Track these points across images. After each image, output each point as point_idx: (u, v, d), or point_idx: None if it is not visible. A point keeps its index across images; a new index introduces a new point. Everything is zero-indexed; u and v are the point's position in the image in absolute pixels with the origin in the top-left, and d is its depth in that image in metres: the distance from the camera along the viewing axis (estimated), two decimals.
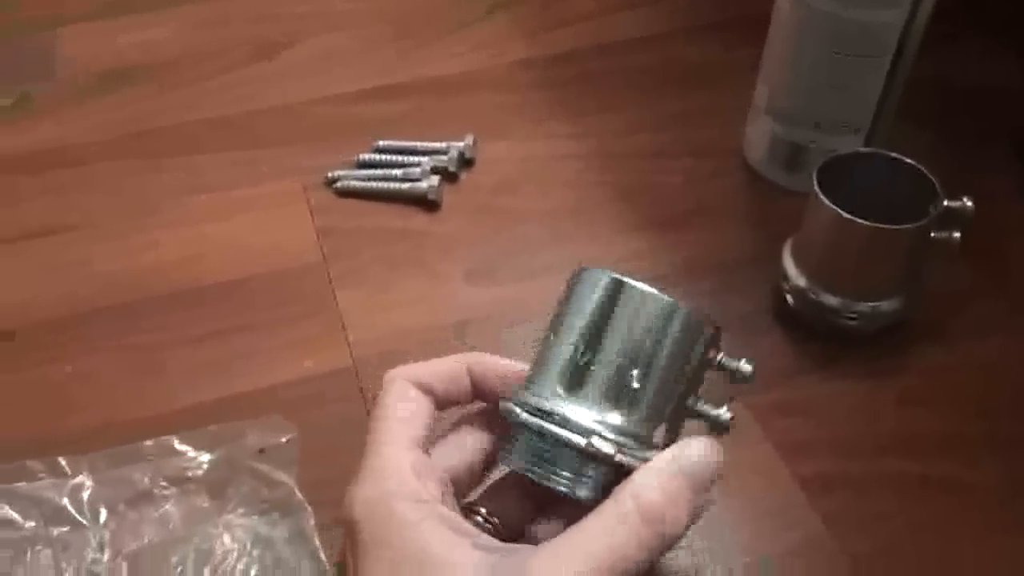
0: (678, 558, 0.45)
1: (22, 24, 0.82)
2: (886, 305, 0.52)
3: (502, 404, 0.37)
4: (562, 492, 0.35)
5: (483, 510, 0.38)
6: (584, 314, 0.37)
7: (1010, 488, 0.47)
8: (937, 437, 0.50)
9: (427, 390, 0.39)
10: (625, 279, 0.36)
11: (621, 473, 0.34)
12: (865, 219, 0.48)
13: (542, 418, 0.35)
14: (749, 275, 0.58)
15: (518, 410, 0.36)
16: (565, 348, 0.37)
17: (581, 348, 0.36)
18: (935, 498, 0.47)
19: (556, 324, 0.38)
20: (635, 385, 0.36)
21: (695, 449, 0.35)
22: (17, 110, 0.73)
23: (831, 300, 0.52)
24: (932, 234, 0.50)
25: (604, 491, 0.34)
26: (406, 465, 0.36)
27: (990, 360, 0.53)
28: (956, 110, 0.70)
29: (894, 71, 0.57)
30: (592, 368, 0.36)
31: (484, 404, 0.40)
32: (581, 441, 0.34)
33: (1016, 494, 0.47)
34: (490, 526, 0.38)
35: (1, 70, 0.77)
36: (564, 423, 0.35)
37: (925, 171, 0.51)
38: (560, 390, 0.36)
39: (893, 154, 0.52)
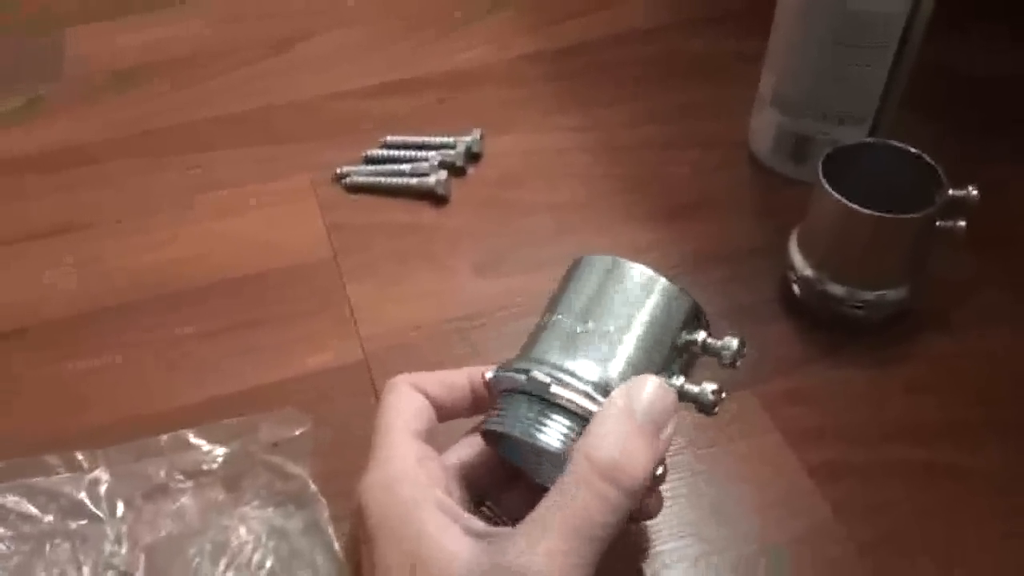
0: (686, 546, 0.45)
1: (31, 25, 0.83)
2: (892, 294, 0.52)
3: (485, 375, 0.39)
4: (534, 443, 0.35)
5: (488, 504, 0.39)
6: (565, 288, 0.39)
7: (1014, 474, 0.48)
8: (942, 425, 0.50)
9: (426, 394, 0.40)
10: (598, 256, 0.38)
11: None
12: (870, 209, 0.49)
13: (511, 372, 0.37)
14: (755, 265, 0.58)
15: (491, 373, 0.38)
16: (545, 317, 0.38)
17: (559, 313, 0.38)
18: (940, 485, 0.48)
19: (546, 310, 0.39)
20: (608, 341, 0.36)
21: (646, 391, 0.35)
22: (28, 110, 0.74)
23: (837, 289, 0.52)
24: (937, 223, 0.51)
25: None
26: (409, 453, 0.37)
27: (995, 348, 0.54)
28: (961, 99, 0.70)
29: (899, 61, 0.57)
30: (566, 326, 0.37)
31: None
32: (544, 378, 0.35)
33: (1020, 480, 0.48)
34: (495, 518, 0.39)
35: (11, 71, 0.78)
36: (527, 376, 0.36)
37: (930, 160, 0.51)
38: (533, 352, 0.37)
39: (898, 143, 0.52)
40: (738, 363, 0.38)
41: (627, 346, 0.36)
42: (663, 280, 0.38)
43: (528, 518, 0.34)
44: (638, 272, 0.38)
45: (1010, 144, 0.66)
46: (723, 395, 0.37)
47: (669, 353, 0.37)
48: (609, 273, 0.38)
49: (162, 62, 0.78)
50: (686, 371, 0.39)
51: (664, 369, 0.37)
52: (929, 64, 0.60)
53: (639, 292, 0.37)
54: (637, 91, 0.72)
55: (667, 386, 0.36)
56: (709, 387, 0.37)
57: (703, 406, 0.37)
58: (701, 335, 0.38)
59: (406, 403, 0.39)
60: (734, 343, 0.38)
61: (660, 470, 0.37)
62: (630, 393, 0.35)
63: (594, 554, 0.33)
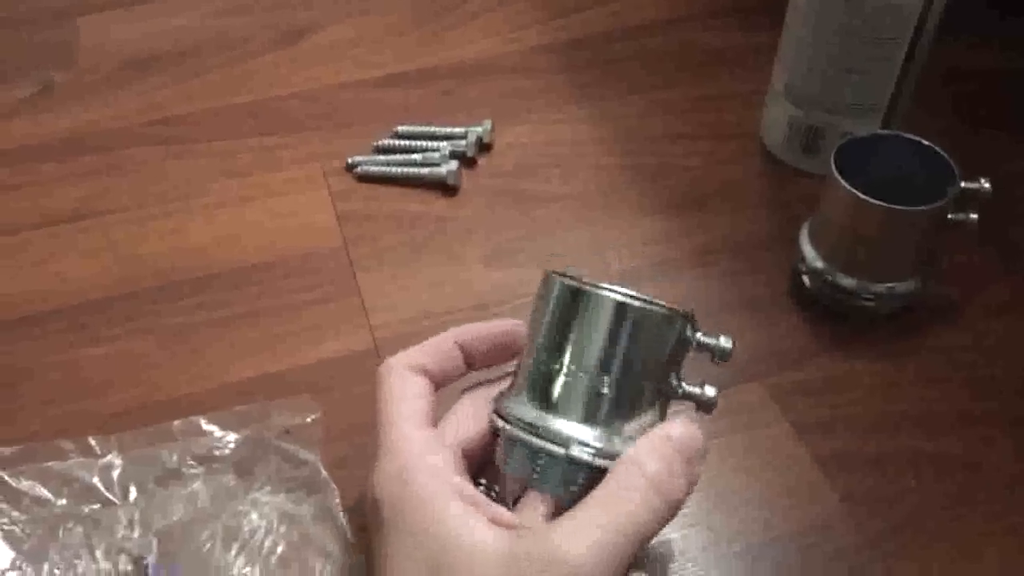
0: (694, 536, 0.45)
1: (42, 13, 0.83)
2: (902, 286, 0.52)
3: (489, 414, 0.39)
4: (559, 497, 0.37)
5: (484, 480, 0.40)
6: (551, 324, 0.38)
7: (1021, 467, 0.48)
8: (952, 416, 0.50)
9: (422, 371, 0.40)
10: (584, 286, 0.38)
11: (603, 472, 0.36)
12: (882, 201, 0.49)
13: (524, 430, 0.37)
14: (767, 257, 0.58)
15: (501, 423, 0.38)
16: (538, 359, 0.38)
17: (552, 359, 0.38)
18: (950, 477, 0.48)
19: (531, 331, 0.39)
20: (605, 390, 0.37)
21: (678, 427, 0.37)
22: (40, 99, 0.74)
23: (848, 281, 0.53)
24: (949, 216, 0.51)
25: (587, 489, 0.36)
26: (418, 441, 0.38)
27: (1005, 341, 0.54)
28: (974, 92, 0.70)
29: (912, 53, 0.57)
30: (565, 378, 0.37)
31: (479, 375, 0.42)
32: (561, 451, 0.36)
33: None
34: (493, 494, 0.39)
35: (23, 60, 0.78)
36: (545, 434, 0.37)
37: (942, 152, 0.51)
38: (537, 400, 0.38)
39: (910, 136, 0.52)
40: (725, 360, 0.39)
41: (624, 385, 0.37)
42: (655, 310, 0.37)
43: (568, 514, 0.35)
44: (609, 304, 0.37)
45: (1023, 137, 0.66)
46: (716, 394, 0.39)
47: (664, 372, 0.38)
48: (584, 303, 0.37)
49: (174, 51, 0.78)
50: (680, 369, 0.39)
51: (664, 383, 0.38)
52: (942, 56, 0.60)
53: (620, 325, 0.37)
54: (649, 83, 0.72)
55: (695, 427, 0.38)
56: (710, 390, 0.39)
57: (703, 406, 0.39)
58: (696, 337, 0.39)
59: (408, 387, 0.40)
60: (728, 345, 0.39)
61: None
62: (677, 426, 0.38)
63: (628, 555, 0.34)
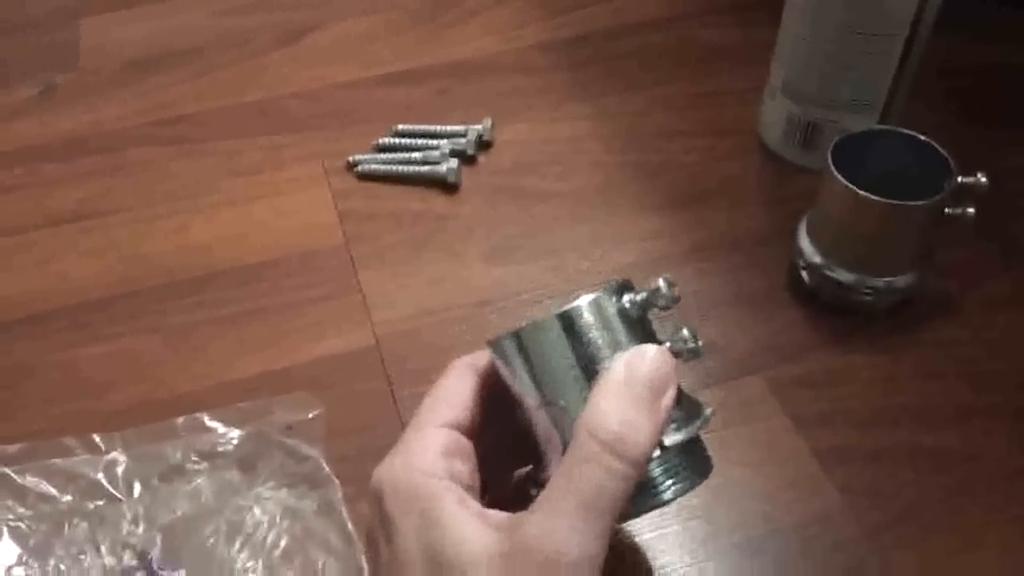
0: (694, 529, 0.46)
1: (44, 15, 0.83)
2: (900, 280, 0.53)
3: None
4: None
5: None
6: (526, 374, 0.37)
7: (1020, 459, 0.48)
8: (950, 410, 0.50)
9: (484, 372, 0.39)
10: (518, 329, 0.37)
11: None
12: (879, 196, 0.49)
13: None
14: (765, 252, 0.59)
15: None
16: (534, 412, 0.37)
17: (542, 401, 0.37)
18: (948, 470, 0.48)
19: (519, 396, 0.38)
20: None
21: (644, 360, 0.35)
22: (43, 100, 0.74)
23: (846, 276, 0.53)
24: (946, 210, 0.51)
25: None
26: (437, 443, 0.37)
27: (1003, 335, 0.54)
28: (971, 87, 0.70)
29: (909, 48, 0.57)
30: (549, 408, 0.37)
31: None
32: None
33: None
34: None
35: (26, 61, 0.79)
36: None
37: (939, 147, 0.51)
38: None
39: (907, 131, 0.53)
40: (677, 302, 0.37)
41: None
42: (578, 304, 0.36)
43: (540, 498, 0.34)
44: (562, 317, 0.36)
45: (1020, 131, 0.66)
46: (698, 340, 0.37)
47: (623, 343, 0.37)
48: (540, 337, 0.37)
49: (176, 52, 0.78)
50: (646, 334, 0.38)
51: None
52: (939, 52, 0.60)
53: (572, 329, 0.36)
54: (647, 80, 0.73)
55: (664, 352, 0.36)
56: (685, 333, 0.37)
57: (687, 353, 0.37)
58: (638, 300, 0.37)
59: (452, 387, 0.39)
60: (662, 284, 0.37)
61: (709, 410, 0.37)
62: (628, 363, 0.35)
63: (608, 526, 0.33)
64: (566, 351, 0.36)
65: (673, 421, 0.36)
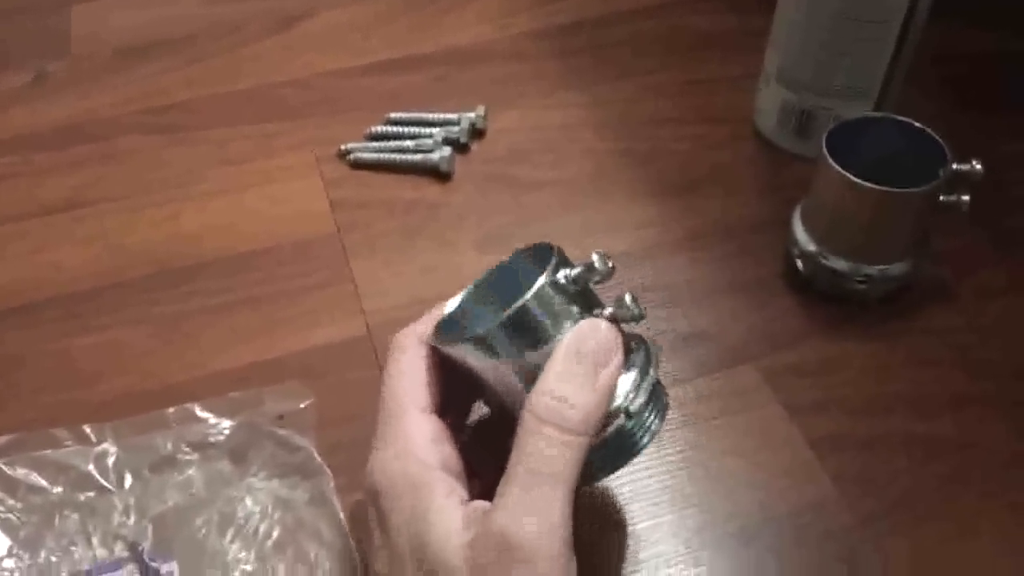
0: (688, 518, 0.46)
1: (36, 2, 0.83)
2: (894, 268, 0.52)
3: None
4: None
5: None
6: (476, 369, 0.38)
7: (1015, 447, 0.48)
8: (944, 397, 0.50)
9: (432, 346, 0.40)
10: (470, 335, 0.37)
11: None
12: (874, 183, 0.49)
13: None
14: (760, 240, 0.58)
15: None
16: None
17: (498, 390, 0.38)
18: (943, 458, 0.48)
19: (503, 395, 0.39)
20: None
21: (563, 343, 0.37)
22: (35, 88, 0.74)
23: (840, 264, 0.53)
24: (941, 197, 0.51)
25: None
26: (425, 433, 0.38)
27: (998, 322, 0.54)
28: (966, 74, 0.70)
29: (904, 35, 0.57)
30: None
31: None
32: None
33: (1021, 453, 0.48)
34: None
35: (17, 48, 0.78)
36: None
37: (934, 134, 0.51)
38: None
39: (902, 118, 0.52)
40: (611, 275, 0.38)
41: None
42: (523, 302, 0.37)
43: (502, 487, 0.35)
44: (517, 312, 0.37)
45: (1015, 119, 0.66)
46: (639, 303, 0.38)
47: (570, 318, 0.38)
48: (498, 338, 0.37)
49: (167, 40, 0.78)
50: (591, 305, 0.39)
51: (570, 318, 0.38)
52: (934, 39, 0.60)
53: (523, 319, 0.37)
54: (640, 67, 0.72)
55: (596, 323, 0.37)
56: (626, 299, 0.37)
57: (628, 318, 0.38)
58: (564, 274, 0.38)
59: (417, 370, 0.39)
60: (596, 260, 0.38)
61: (657, 348, 0.40)
62: (567, 340, 0.37)
63: (565, 499, 0.34)
64: (518, 345, 0.37)
65: (633, 378, 0.38)
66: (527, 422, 0.35)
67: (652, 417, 0.39)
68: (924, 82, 0.63)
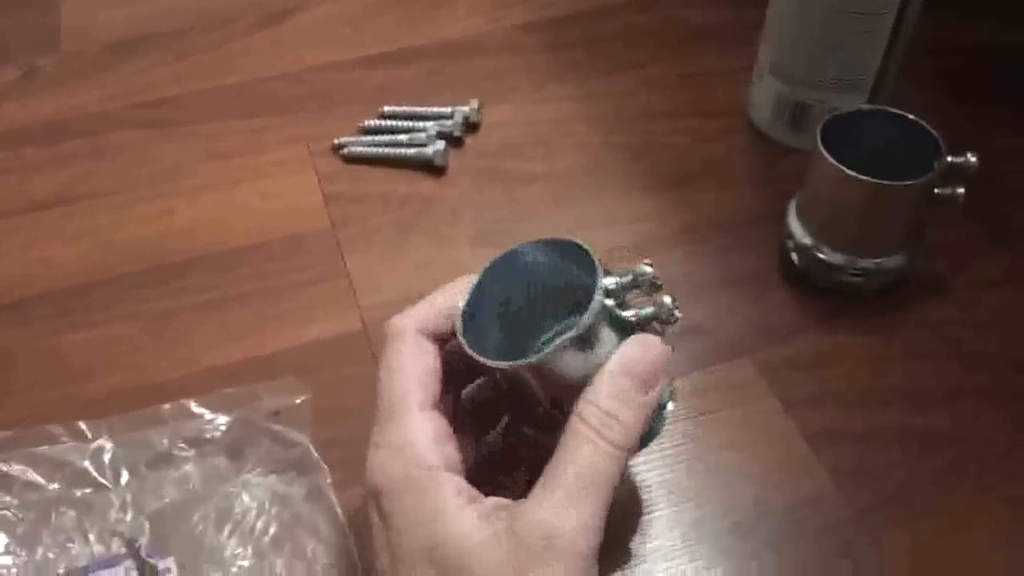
0: (685, 511, 0.46)
1: None
2: (890, 261, 0.52)
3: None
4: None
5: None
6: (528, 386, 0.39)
7: (1012, 440, 0.48)
8: (940, 390, 0.50)
9: (432, 334, 0.40)
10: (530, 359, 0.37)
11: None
12: (869, 176, 0.49)
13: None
14: (755, 234, 0.58)
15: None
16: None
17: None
18: (939, 451, 0.48)
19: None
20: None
21: (618, 358, 0.38)
22: (24, 83, 0.73)
23: (835, 257, 0.53)
24: (936, 190, 0.51)
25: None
26: (427, 432, 0.37)
27: (992, 315, 0.54)
28: (960, 66, 0.70)
29: (898, 27, 0.57)
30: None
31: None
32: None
33: (1017, 445, 0.48)
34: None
35: (6, 44, 0.78)
36: None
37: (928, 127, 0.51)
38: None
39: (896, 110, 0.52)
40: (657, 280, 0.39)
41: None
42: (586, 320, 0.37)
43: (537, 484, 0.35)
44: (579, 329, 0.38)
45: (1009, 111, 0.66)
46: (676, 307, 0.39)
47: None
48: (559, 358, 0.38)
49: (158, 34, 0.77)
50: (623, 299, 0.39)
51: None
52: (928, 31, 0.60)
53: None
54: (634, 60, 0.72)
55: (654, 341, 0.38)
56: (667, 299, 0.39)
57: (663, 319, 0.39)
58: (611, 281, 0.39)
59: (418, 362, 0.39)
60: (647, 270, 0.39)
61: (668, 398, 0.41)
62: (630, 350, 0.38)
63: (603, 506, 0.35)
64: (577, 362, 0.38)
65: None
66: (578, 429, 0.36)
67: (658, 424, 0.41)
68: (918, 74, 0.63)
